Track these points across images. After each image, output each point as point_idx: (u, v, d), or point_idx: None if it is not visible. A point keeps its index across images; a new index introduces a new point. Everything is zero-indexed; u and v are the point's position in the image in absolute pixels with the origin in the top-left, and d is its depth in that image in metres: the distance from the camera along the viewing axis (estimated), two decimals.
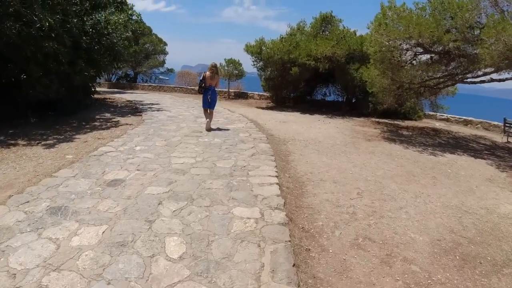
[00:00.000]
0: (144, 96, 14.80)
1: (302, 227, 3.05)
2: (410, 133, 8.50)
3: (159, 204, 3.24)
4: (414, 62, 7.79)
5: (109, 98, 13.43)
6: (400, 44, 7.24)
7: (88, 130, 6.79)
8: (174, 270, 2.22)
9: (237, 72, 14.92)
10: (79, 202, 3.22)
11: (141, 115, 9.00)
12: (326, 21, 12.41)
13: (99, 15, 9.71)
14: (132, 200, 3.31)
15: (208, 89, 7.12)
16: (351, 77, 10.70)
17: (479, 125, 10.57)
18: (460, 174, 5.15)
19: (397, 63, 7.44)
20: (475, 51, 6.59)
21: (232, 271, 2.24)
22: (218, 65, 8.51)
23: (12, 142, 5.62)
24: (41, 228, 2.71)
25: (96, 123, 7.65)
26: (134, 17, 15.20)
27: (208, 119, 7.18)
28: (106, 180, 3.82)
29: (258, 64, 12.86)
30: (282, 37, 12.14)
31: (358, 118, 10.51)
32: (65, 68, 7.41)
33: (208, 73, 7.12)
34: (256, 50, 12.31)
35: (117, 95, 14.81)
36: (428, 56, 7.59)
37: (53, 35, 6.82)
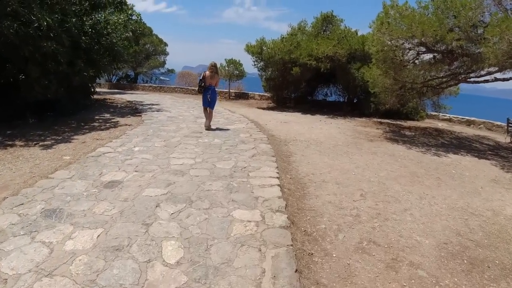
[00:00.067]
0: (144, 97, 14.73)
1: (305, 230, 2.96)
2: (413, 134, 8.40)
3: (156, 206, 3.15)
4: (416, 61, 7.70)
5: (109, 99, 13.36)
6: (403, 43, 7.16)
7: (87, 131, 6.71)
8: (171, 276, 2.13)
9: (237, 72, 14.84)
10: (74, 204, 3.13)
11: (140, 116, 8.93)
12: (327, 21, 12.33)
13: (99, 15, 9.65)
14: (129, 202, 3.22)
15: (208, 88, 7.11)
16: (352, 77, 10.61)
17: (482, 125, 10.47)
18: (464, 175, 5.05)
19: (400, 62, 7.36)
20: (479, 50, 6.50)
21: (231, 277, 2.15)
22: (219, 65, 8.46)
23: (10, 143, 5.54)
24: (35, 231, 2.63)
25: (95, 124, 7.57)
26: (134, 17, 15.14)
27: (207, 118, 7.20)
28: (103, 182, 3.73)
29: (259, 64, 12.78)
30: (283, 37, 12.07)
31: (359, 119, 10.42)
32: (64, 68, 7.33)
33: (208, 72, 7.11)
34: (257, 50, 12.23)
35: (117, 96, 14.74)
36: (431, 55, 7.49)
37: (52, 35, 6.74)
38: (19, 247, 2.41)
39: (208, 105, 7.18)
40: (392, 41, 7.03)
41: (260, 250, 2.47)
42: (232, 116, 9.45)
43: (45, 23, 6.37)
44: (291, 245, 2.58)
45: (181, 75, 24.01)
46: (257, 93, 15.43)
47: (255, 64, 12.88)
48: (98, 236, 2.58)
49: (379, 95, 8.74)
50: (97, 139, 5.93)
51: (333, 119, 10.12)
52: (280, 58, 11.45)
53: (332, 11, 12.30)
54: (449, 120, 11.26)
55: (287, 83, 12.36)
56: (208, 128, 7.10)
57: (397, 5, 6.95)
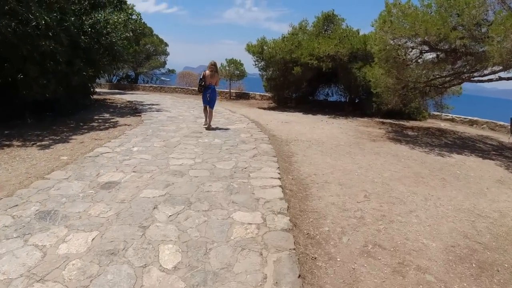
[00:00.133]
0: (145, 97, 14.66)
1: (307, 233, 2.86)
2: (416, 134, 8.30)
3: (154, 208, 3.05)
4: (419, 60, 7.58)
5: (109, 99, 13.28)
6: (405, 42, 7.06)
7: (86, 131, 6.63)
8: (168, 282, 2.03)
9: (238, 72, 14.74)
10: (70, 206, 3.04)
11: (140, 116, 8.85)
12: (328, 20, 12.24)
13: (99, 14, 9.57)
14: (126, 204, 3.12)
15: (208, 87, 7.06)
16: (354, 77, 10.51)
17: (485, 125, 10.35)
18: (469, 175, 4.95)
19: (402, 61, 7.25)
20: (483, 49, 6.40)
21: (231, 284, 2.05)
22: (219, 65, 8.39)
23: (7, 143, 5.46)
24: (28, 234, 2.54)
25: (94, 124, 7.49)
26: (134, 17, 15.07)
27: (207, 117, 7.15)
28: (100, 183, 3.64)
29: (260, 64, 12.69)
30: (284, 37, 11.97)
31: (361, 118, 10.31)
32: (63, 68, 7.25)
33: (208, 71, 7.07)
34: (258, 50, 12.15)
35: (117, 96, 14.67)
36: (434, 54, 7.38)
37: (50, 34, 6.66)
38: (11, 250, 2.32)
39: (208, 103, 7.14)
40: (395, 40, 6.94)
41: (262, 254, 2.38)
42: (233, 116, 9.35)
43: (44, 22, 6.29)
44: (294, 249, 2.48)
45: (182, 75, 23.95)
46: (258, 93, 15.34)
47: (256, 64, 12.79)
48: (93, 239, 2.49)
49: (382, 95, 8.63)
50: (96, 139, 5.84)
51: (335, 119, 10.02)
52: (281, 58, 11.35)
53: (333, 10, 12.22)
54: (452, 120, 11.15)
55: (288, 83, 12.26)
56: (209, 128, 7.05)
57: (400, 4, 6.85)
